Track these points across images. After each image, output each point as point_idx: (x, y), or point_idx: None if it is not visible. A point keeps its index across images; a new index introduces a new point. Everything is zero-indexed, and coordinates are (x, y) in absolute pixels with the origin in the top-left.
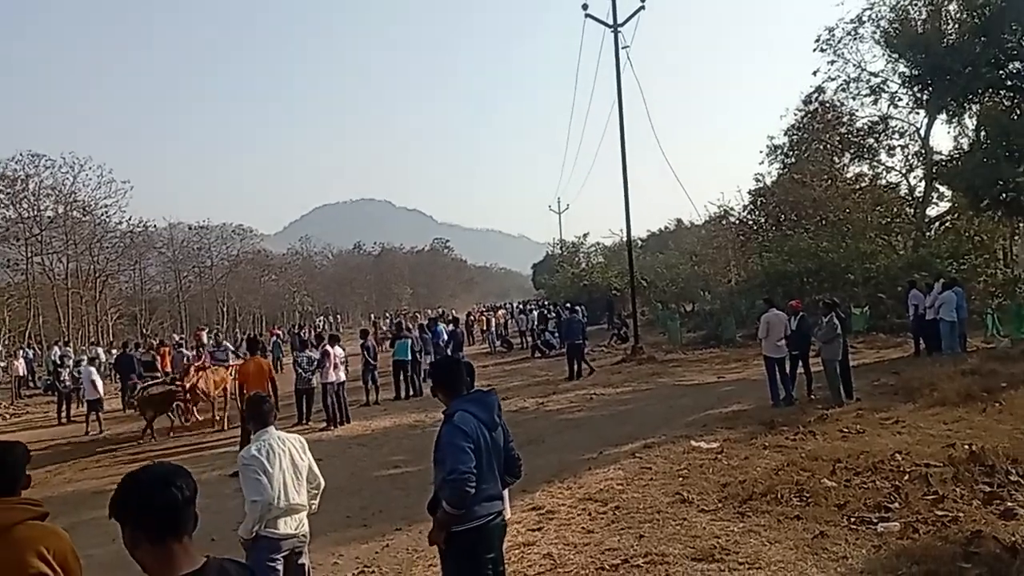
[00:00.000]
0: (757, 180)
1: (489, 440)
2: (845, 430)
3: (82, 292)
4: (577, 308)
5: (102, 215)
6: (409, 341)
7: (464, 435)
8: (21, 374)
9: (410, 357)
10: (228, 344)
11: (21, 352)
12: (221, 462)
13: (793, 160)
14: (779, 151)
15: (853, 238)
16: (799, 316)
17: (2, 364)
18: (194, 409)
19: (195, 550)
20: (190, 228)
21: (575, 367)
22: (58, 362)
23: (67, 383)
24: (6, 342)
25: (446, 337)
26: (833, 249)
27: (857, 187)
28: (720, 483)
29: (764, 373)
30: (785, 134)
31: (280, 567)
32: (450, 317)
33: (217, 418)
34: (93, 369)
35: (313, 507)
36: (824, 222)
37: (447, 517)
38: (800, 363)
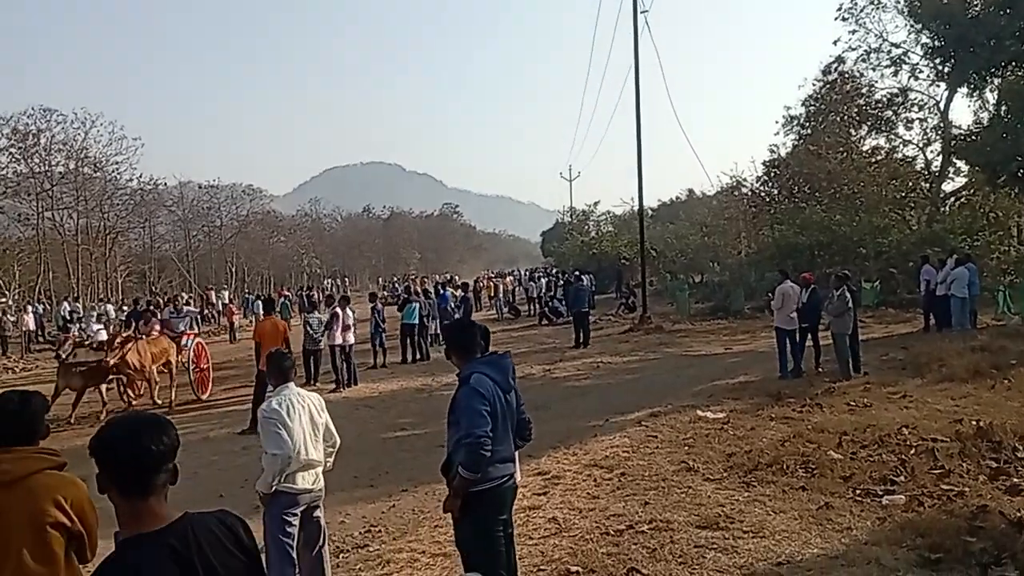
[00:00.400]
0: (772, 151)
1: (504, 403)
2: (852, 403)
3: (92, 249)
4: (584, 276)
5: (113, 172)
6: (417, 305)
7: (481, 397)
8: (31, 328)
9: (418, 321)
10: (192, 309)
11: (30, 307)
12: (229, 420)
13: (809, 131)
14: (795, 122)
15: (867, 212)
16: (810, 289)
17: (12, 318)
18: (130, 387)
19: (187, 505)
20: (200, 187)
21: (581, 335)
22: (67, 317)
23: (77, 337)
24: (16, 297)
25: (456, 303)
26: (846, 223)
27: (873, 160)
28: (726, 453)
29: (773, 345)
30: (802, 104)
31: (296, 521)
32: (459, 283)
33: (158, 402)
34: (100, 326)
35: (328, 464)
36: (838, 195)
37: (462, 482)
38: (809, 336)
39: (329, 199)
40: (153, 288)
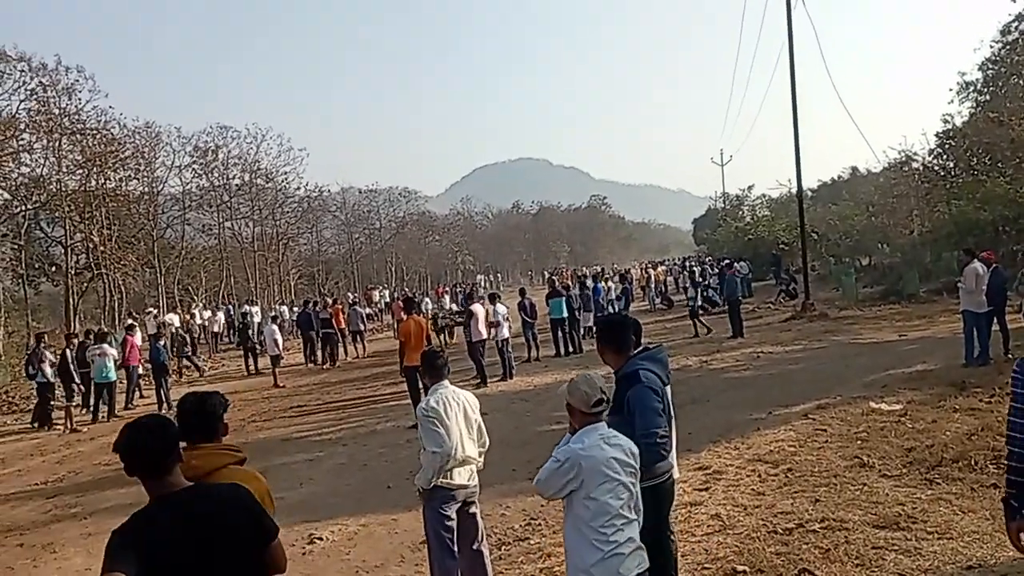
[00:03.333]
0: (945, 121)
1: (665, 397)
2: None
3: (267, 254)
4: (739, 264)
5: (282, 182)
6: (564, 299)
7: (655, 395)
8: (217, 330)
9: (566, 314)
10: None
11: (223, 308)
12: (393, 414)
13: (988, 97)
14: (971, 88)
15: None
16: (993, 268)
17: (201, 322)
18: None
19: (359, 495)
20: (360, 192)
21: (737, 325)
22: (244, 320)
23: (253, 339)
24: (204, 301)
25: (617, 293)
26: None
27: None
28: (904, 448)
29: (955, 330)
30: (979, 69)
31: (454, 515)
32: (619, 271)
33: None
34: (275, 327)
35: (480, 463)
36: None
37: None
38: (995, 319)
39: (480, 197)
40: (321, 290)
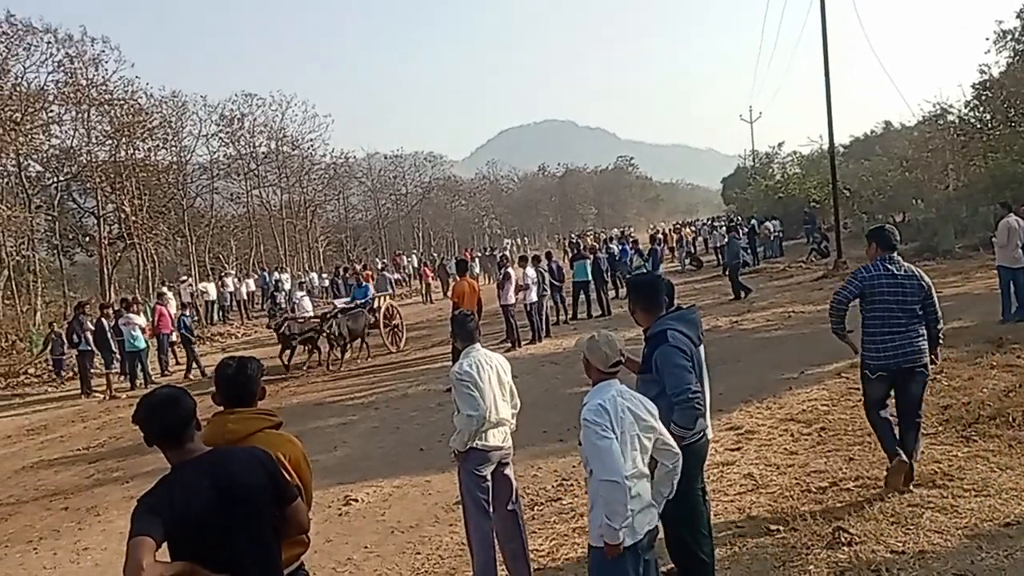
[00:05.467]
0: (982, 72)
1: (698, 357)
2: None
3: (295, 221)
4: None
5: (308, 149)
6: (587, 262)
7: (683, 354)
8: (244, 297)
9: (590, 277)
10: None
11: (255, 277)
12: (425, 377)
13: None
14: (1009, 37)
15: None
16: None
17: (231, 289)
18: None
19: (392, 458)
20: (386, 158)
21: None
22: (275, 286)
23: (283, 306)
24: (235, 269)
25: (647, 255)
26: None
27: None
28: (940, 405)
29: (992, 286)
30: (1017, 16)
31: (489, 476)
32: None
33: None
34: (303, 294)
35: (512, 425)
36: None
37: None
38: None
39: (505, 160)
40: (349, 256)
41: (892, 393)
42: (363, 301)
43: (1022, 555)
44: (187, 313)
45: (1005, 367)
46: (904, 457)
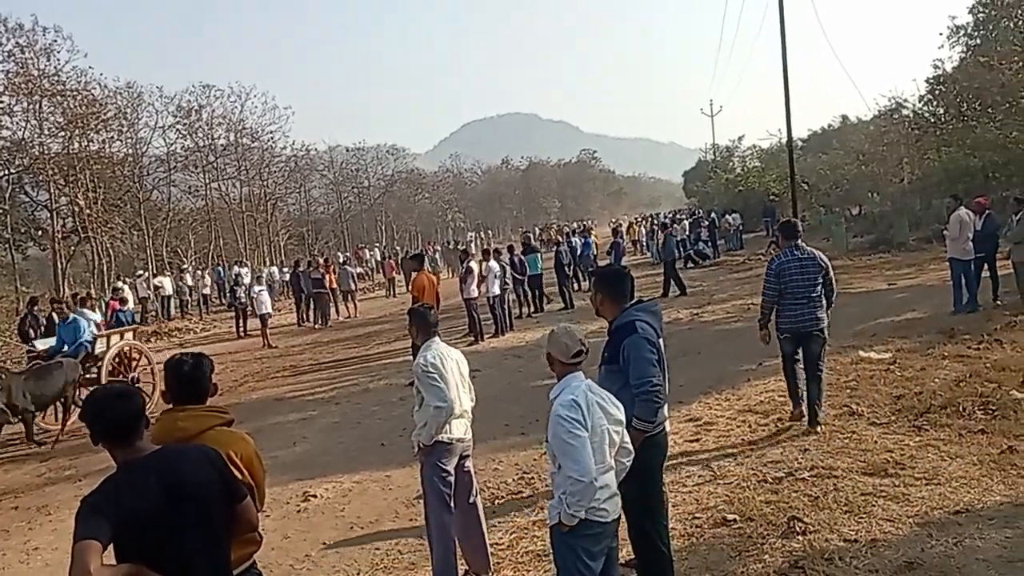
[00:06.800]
0: (935, 67)
1: (660, 350)
2: None
3: (255, 215)
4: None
5: (268, 141)
6: (538, 255)
7: (650, 346)
8: (206, 292)
9: (540, 271)
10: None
11: (209, 271)
12: (387, 372)
13: (978, 41)
14: (962, 32)
15: None
16: (985, 215)
17: (190, 284)
18: None
19: (353, 453)
20: (348, 150)
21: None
22: (235, 281)
23: (242, 300)
24: (193, 263)
25: (608, 248)
26: None
27: None
28: (893, 395)
29: (944, 278)
30: (969, 12)
31: (453, 469)
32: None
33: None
34: (262, 288)
35: (470, 417)
36: (1014, 109)
37: (637, 435)
38: (986, 266)
39: (468, 153)
40: (311, 250)
41: (800, 351)
42: (75, 345)
43: (971, 542)
44: (124, 309)
45: (956, 357)
46: (803, 409)
